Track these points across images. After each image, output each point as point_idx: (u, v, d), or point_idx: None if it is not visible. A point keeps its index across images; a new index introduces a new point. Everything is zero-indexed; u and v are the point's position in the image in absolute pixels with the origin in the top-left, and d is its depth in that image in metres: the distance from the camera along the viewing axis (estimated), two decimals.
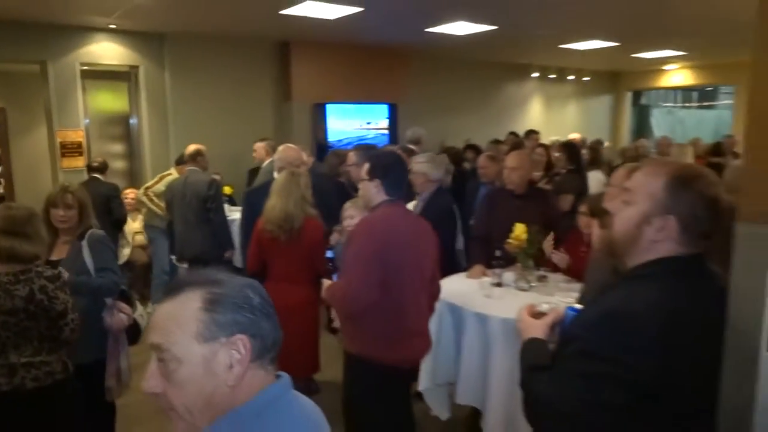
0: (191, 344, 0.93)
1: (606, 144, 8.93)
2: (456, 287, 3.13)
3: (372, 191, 2.46)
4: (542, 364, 1.33)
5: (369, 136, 8.34)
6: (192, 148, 5.00)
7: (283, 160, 3.78)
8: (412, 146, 5.84)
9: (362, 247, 2.35)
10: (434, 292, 2.69)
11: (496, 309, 2.84)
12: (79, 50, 6.48)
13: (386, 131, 8.62)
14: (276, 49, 7.85)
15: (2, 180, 7.75)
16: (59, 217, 2.75)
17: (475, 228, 3.83)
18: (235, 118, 7.44)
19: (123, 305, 2.78)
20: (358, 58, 8.17)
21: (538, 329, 1.44)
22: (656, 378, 1.17)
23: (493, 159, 4.66)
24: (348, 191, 4.15)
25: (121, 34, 6.71)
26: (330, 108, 8.05)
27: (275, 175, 3.73)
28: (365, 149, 4.69)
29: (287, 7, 5.55)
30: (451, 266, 3.44)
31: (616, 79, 12.44)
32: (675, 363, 1.18)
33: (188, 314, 0.95)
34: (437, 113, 9.29)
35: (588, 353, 1.22)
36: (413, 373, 2.71)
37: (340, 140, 8.03)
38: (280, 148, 4.02)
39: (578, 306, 1.47)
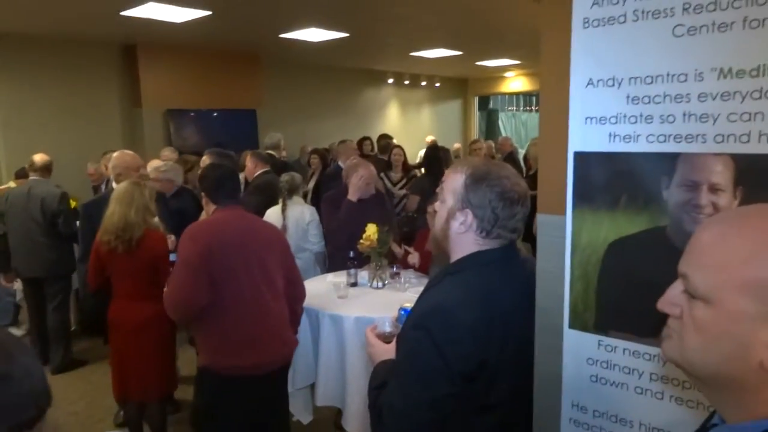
0: None
1: (456, 145, 9.53)
2: (313, 290, 3.15)
3: (204, 202, 2.60)
4: (387, 381, 1.35)
5: (228, 142, 8.10)
6: (44, 158, 4.55)
7: (120, 166, 3.59)
8: (271, 152, 5.82)
9: (186, 252, 2.37)
10: (296, 295, 2.69)
11: (350, 309, 2.93)
12: None
13: (246, 137, 8.44)
14: (121, 52, 7.39)
15: None
16: None
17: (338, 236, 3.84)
18: (78, 126, 6.90)
19: None
20: (212, 62, 7.93)
21: (387, 353, 1.46)
22: (476, 366, 1.25)
23: None
24: (198, 198, 4.03)
25: None
26: (185, 114, 7.71)
27: (113, 184, 3.52)
28: (218, 154, 4.59)
29: (128, 8, 5.25)
30: None
31: (464, 85, 13.31)
32: (489, 349, 1.26)
33: None
34: (297, 118, 9.30)
35: (416, 351, 1.27)
36: (270, 380, 2.60)
37: (196, 147, 7.72)
38: (115, 154, 3.80)
39: (409, 306, 1.51)
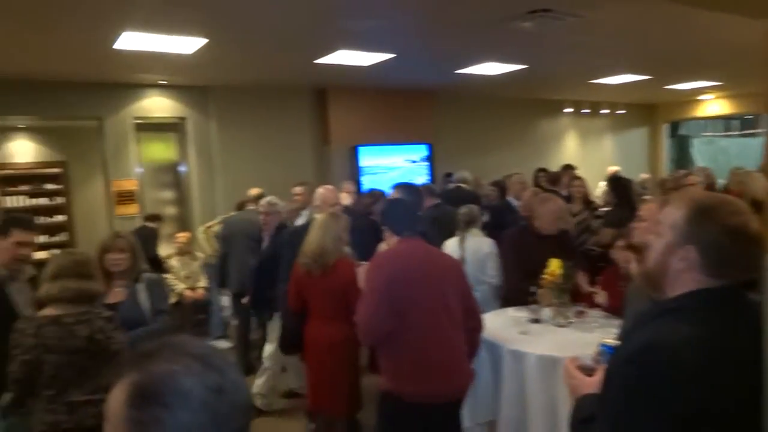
0: None
1: (643, 176, 8.83)
2: (493, 323, 3.15)
3: (386, 234, 2.79)
4: (592, 414, 1.32)
5: (406, 178, 8.46)
6: (257, 191, 5.53)
7: (319, 199, 4.13)
8: (462, 185, 6.26)
9: (372, 280, 2.54)
10: (473, 326, 2.72)
11: (532, 346, 2.86)
12: (132, 105, 6.96)
13: (425, 168, 8.79)
14: (314, 96, 8.17)
15: (65, 228, 8.28)
16: (113, 260, 2.95)
17: (509, 281, 3.83)
18: (277, 163, 7.72)
19: None
20: (392, 100, 8.42)
21: (591, 386, 1.43)
22: (696, 409, 1.17)
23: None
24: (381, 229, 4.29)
25: (169, 88, 7.16)
26: (367, 150, 8.28)
27: (315, 215, 3.93)
28: (406, 188, 4.84)
29: (321, 57, 5.82)
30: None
31: (652, 110, 12.34)
32: (713, 394, 1.17)
33: (116, 410, 0.81)
34: (472, 151, 9.40)
35: (630, 388, 1.22)
36: (447, 410, 2.63)
37: (376, 179, 8.16)
38: (320, 189, 4.25)
39: (611, 342, 1.48)
